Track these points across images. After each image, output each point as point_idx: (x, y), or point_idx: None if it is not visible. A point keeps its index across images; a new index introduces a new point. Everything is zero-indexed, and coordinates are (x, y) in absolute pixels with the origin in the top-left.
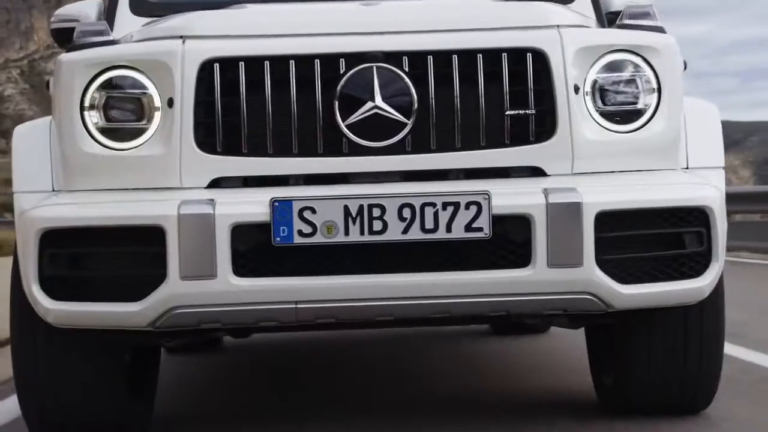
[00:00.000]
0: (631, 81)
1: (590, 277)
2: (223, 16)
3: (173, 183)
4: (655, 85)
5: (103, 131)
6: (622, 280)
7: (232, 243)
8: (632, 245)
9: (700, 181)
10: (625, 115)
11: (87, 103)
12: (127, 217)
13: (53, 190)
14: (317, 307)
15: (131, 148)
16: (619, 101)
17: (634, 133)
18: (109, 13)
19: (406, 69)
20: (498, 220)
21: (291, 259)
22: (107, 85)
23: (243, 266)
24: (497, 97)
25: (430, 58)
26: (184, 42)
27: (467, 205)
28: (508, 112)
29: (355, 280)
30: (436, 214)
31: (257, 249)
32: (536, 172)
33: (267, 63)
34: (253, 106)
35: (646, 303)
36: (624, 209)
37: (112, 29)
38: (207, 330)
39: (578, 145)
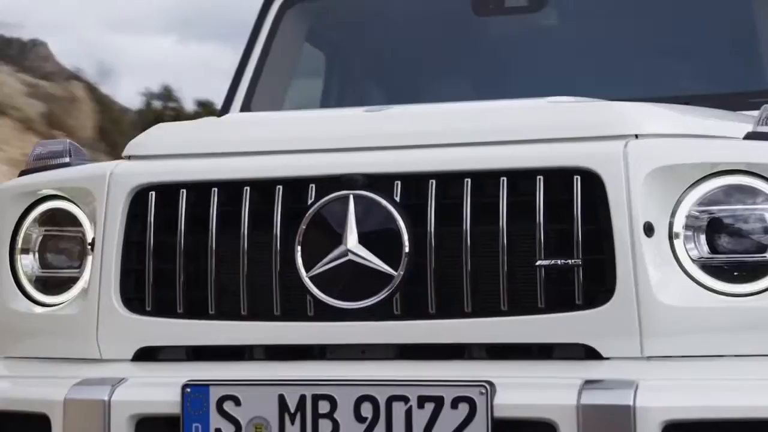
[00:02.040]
0: (753, 218)
1: None
2: (176, 128)
3: (92, 353)
4: None
5: (37, 281)
6: None
7: None
8: None
9: None
10: (744, 270)
11: (19, 244)
12: (13, 400)
13: None
14: None
15: (58, 305)
16: (732, 248)
17: (757, 297)
18: None
19: (397, 198)
20: (504, 428)
21: None
22: (44, 219)
23: None
24: (527, 238)
25: (432, 184)
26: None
27: (454, 403)
28: (540, 263)
29: None
30: (408, 414)
31: None
32: (590, 353)
33: (215, 191)
34: (194, 250)
35: None
36: (715, 419)
37: None
38: None
39: (651, 313)
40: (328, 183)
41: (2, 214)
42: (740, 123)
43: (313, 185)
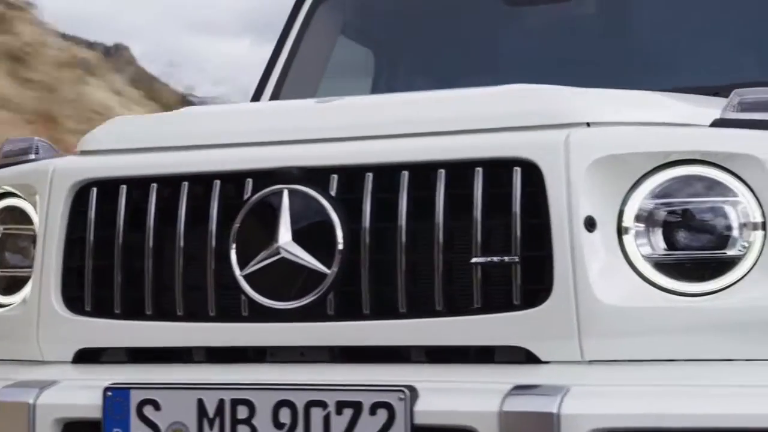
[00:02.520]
0: (711, 211)
1: None
2: (126, 122)
3: (34, 354)
4: (758, 219)
5: None
6: None
7: None
8: None
9: None
10: (698, 268)
11: None
12: None
13: None
14: None
15: (8, 306)
16: (688, 244)
17: (712, 297)
18: None
19: (333, 192)
20: None
21: None
22: (3, 217)
23: None
24: (463, 234)
25: (369, 177)
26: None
27: (373, 409)
28: (475, 260)
29: None
30: (326, 420)
31: None
32: (532, 357)
33: (154, 186)
34: (133, 248)
35: None
36: (651, 428)
37: None
38: None
39: (590, 314)
40: (264, 177)
41: None
42: (718, 110)
43: (251, 180)
